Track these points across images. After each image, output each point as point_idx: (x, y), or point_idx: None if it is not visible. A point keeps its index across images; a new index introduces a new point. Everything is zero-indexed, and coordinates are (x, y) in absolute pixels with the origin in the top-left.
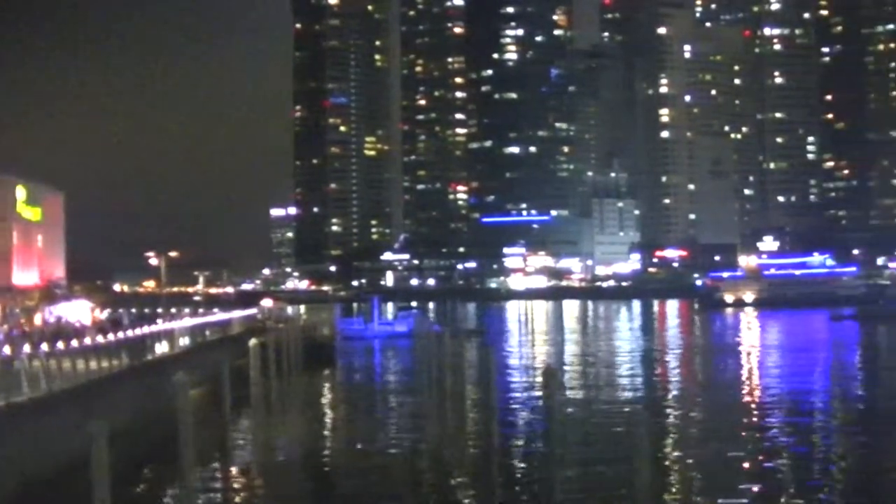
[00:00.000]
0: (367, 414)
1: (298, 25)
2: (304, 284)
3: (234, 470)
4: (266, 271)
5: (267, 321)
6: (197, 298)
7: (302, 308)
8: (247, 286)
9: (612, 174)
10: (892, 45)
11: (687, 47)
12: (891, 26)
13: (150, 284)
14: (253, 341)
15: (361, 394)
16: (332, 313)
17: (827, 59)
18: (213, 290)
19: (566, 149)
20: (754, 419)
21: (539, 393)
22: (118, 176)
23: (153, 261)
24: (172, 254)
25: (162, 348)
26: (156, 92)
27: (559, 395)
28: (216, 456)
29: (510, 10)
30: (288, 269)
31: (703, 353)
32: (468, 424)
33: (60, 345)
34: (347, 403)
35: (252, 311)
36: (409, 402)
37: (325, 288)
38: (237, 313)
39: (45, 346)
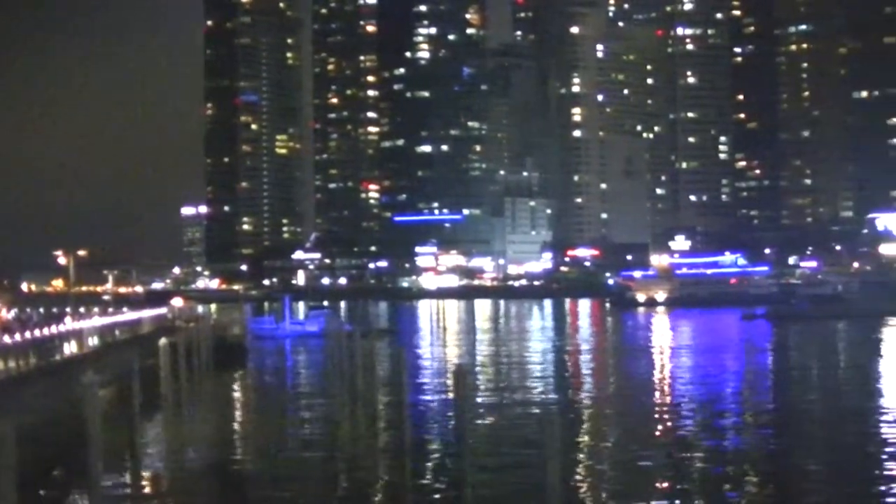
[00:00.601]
0: (278, 415)
1: (210, 23)
2: (214, 284)
3: (144, 474)
4: (176, 270)
5: (177, 321)
6: (106, 298)
7: (212, 307)
8: (157, 285)
9: (525, 173)
10: (804, 46)
11: (599, 47)
12: (803, 27)
13: (58, 283)
14: (163, 341)
15: (273, 394)
16: (242, 313)
17: (739, 59)
18: (122, 290)
19: (478, 148)
20: (666, 420)
21: (450, 393)
22: (25, 174)
23: (61, 259)
24: (81, 252)
25: (70, 348)
26: (65, 87)
27: (470, 395)
28: (126, 459)
29: (423, 8)
30: (198, 269)
31: (616, 353)
32: (380, 425)
33: None
34: (259, 404)
35: (162, 310)
36: (320, 403)
37: (235, 287)
38: (147, 313)
39: None
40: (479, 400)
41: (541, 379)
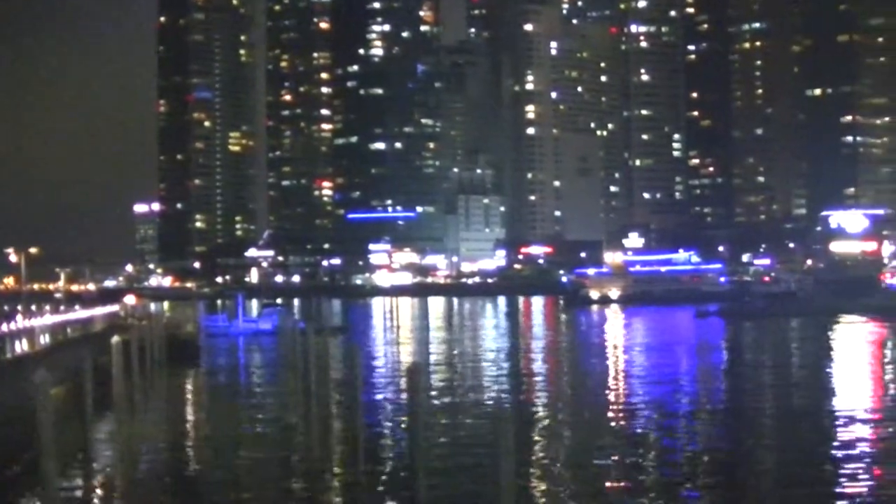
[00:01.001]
0: (231, 414)
1: (163, 19)
2: (167, 281)
3: (97, 474)
4: (129, 268)
5: (130, 318)
6: (58, 296)
7: (165, 305)
8: (109, 283)
9: (478, 171)
10: (757, 44)
11: (553, 44)
12: (756, 25)
13: (9, 281)
14: (115, 339)
15: (226, 393)
16: (195, 310)
17: (693, 57)
18: (74, 287)
19: (432, 145)
20: (621, 419)
21: (404, 391)
22: None
23: (12, 257)
24: (32, 250)
25: (22, 346)
26: (15, 84)
27: (424, 393)
28: (78, 458)
29: (377, 5)
30: (151, 266)
31: (570, 351)
32: (333, 423)
33: None
34: (212, 403)
35: (115, 308)
36: (273, 402)
37: (188, 285)
38: (99, 310)
39: None
40: (432, 398)
41: (494, 377)
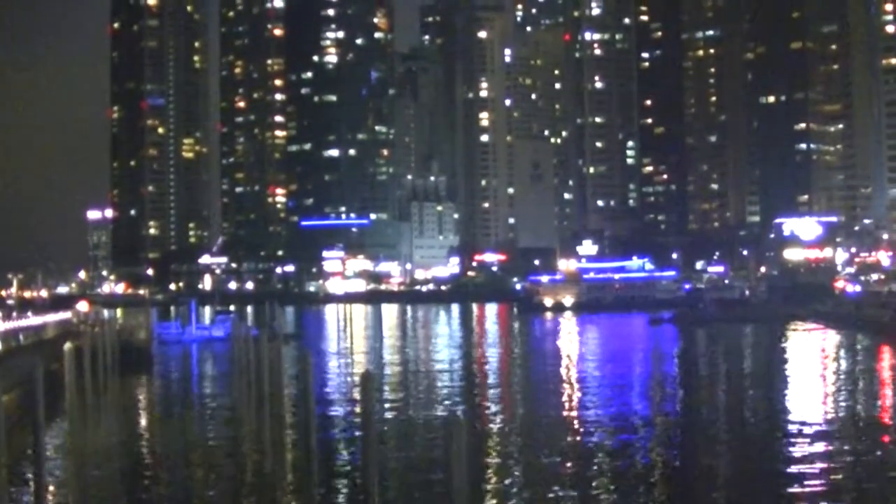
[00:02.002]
0: (184, 421)
1: (116, 25)
2: (120, 288)
3: (48, 483)
4: (82, 274)
5: (82, 325)
6: (10, 302)
7: (118, 312)
8: (62, 289)
9: (432, 178)
10: (710, 51)
11: (507, 51)
12: (709, 32)
13: None
14: (67, 345)
15: (178, 400)
16: (148, 317)
17: (646, 64)
18: (26, 294)
19: (385, 152)
20: (573, 427)
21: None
22: None
23: None
24: None
25: None
26: None
27: (377, 401)
28: (29, 467)
29: (330, 12)
30: (104, 273)
31: (523, 359)
32: (286, 430)
33: None
34: (164, 410)
35: (67, 314)
36: (226, 409)
37: (141, 291)
38: (51, 317)
39: None
40: (386, 405)
41: (448, 385)
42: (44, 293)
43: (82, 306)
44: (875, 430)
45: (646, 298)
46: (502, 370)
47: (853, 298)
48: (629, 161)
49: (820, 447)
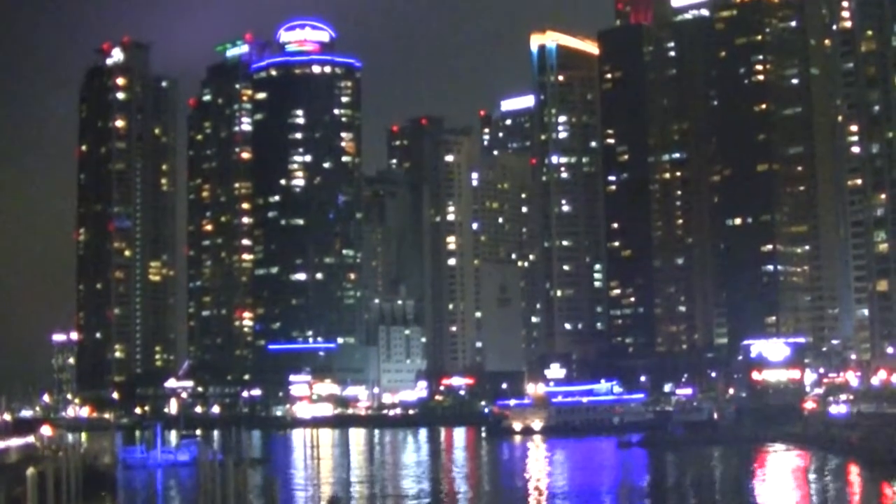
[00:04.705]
0: None
1: (84, 147)
2: (85, 411)
3: None
4: (46, 398)
5: (45, 450)
6: None
7: (83, 436)
8: (25, 413)
9: (399, 301)
10: (677, 174)
11: (474, 175)
12: (676, 155)
13: None
14: (31, 470)
15: None
16: (113, 441)
17: (613, 186)
18: None
19: (353, 276)
20: None
21: None
22: None
23: None
24: None
25: None
26: None
27: None
28: None
29: (297, 135)
30: (69, 396)
31: (491, 485)
32: None
33: None
34: None
35: (30, 439)
36: None
37: (106, 415)
38: (14, 441)
39: None
40: None
41: None
42: (6, 417)
43: (46, 430)
44: None
45: (614, 422)
46: (470, 496)
47: (839, 419)
48: (596, 284)
49: None
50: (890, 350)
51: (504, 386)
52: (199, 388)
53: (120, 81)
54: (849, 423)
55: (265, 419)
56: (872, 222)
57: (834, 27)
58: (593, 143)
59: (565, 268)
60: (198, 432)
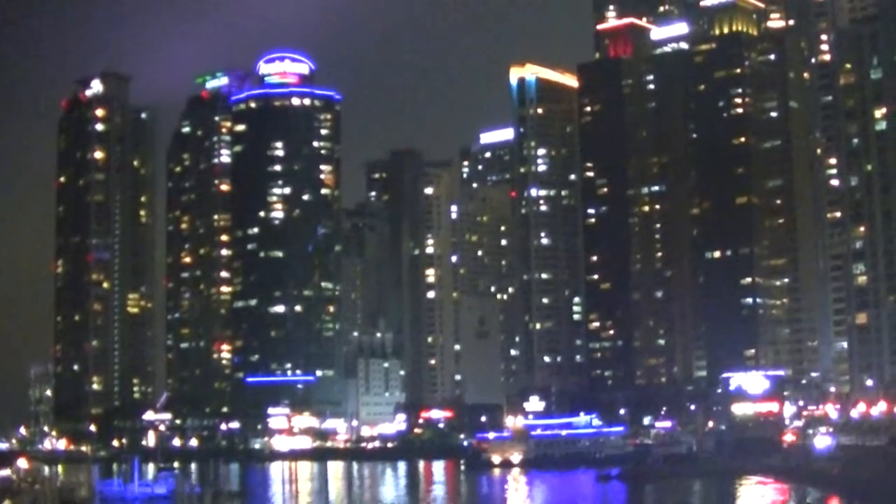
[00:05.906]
0: None
1: (62, 179)
2: (62, 444)
3: None
4: (22, 430)
5: (22, 482)
6: None
7: (59, 468)
8: (1, 446)
9: (378, 334)
10: (656, 207)
11: (453, 207)
12: (655, 188)
13: None
14: (7, 503)
15: None
16: (90, 474)
17: (592, 220)
18: None
19: (332, 308)
20: None
21: None
22: None
23: None
24: None
25: None
26: None
27: None
28: None
29: (277, 168)
30: (45, 428)
31: None
32: None
33: None
34: None
35: (6, 471)
36: None
37: (83, 447)
38: None
39: None
40: None
41: None
42: None
43: (22, 463)
44: None
45: (594, 454)
46: None
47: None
48: (575, 317)
49: None
50: (869, 382)
51: (483, 419)
52: (178, 421)
53: (99, 113)
54: (831, 456)
55: (243, 452)
56: (851, 255)
57: (813, 60)
58: (572, 176)
59: (544, 300)
60: (175, 465)
